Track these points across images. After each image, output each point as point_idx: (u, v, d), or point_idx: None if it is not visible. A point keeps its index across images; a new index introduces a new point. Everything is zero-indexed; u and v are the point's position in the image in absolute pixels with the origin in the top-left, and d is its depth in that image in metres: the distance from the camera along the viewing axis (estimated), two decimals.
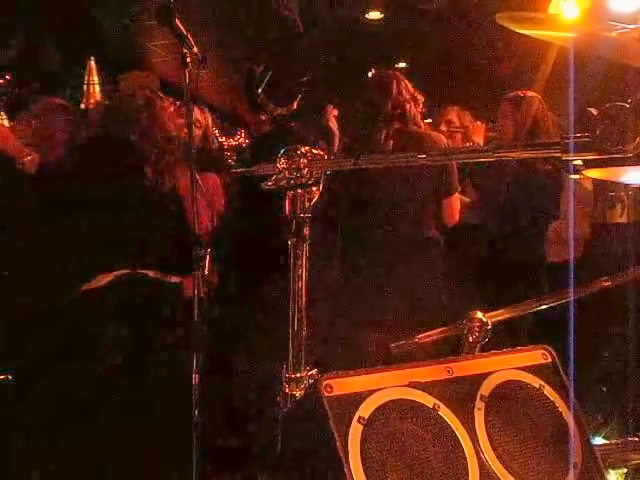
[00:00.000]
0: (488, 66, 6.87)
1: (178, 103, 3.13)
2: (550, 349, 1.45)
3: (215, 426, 2.72)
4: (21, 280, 2.91)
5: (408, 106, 3.14)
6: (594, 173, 1.73)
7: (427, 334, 1.75)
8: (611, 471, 1.61)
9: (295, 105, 3.40)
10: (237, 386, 3.02)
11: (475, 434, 1.29)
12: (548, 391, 1.40)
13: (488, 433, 1.30)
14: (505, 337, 1.68)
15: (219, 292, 2.93)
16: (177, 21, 2.45)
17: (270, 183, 1.48)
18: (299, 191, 1.46)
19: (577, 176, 3.64)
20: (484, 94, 6.10)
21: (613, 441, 1.79)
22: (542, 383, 1.40)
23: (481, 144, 3.91)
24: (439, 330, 1.74)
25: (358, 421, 1.21)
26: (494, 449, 1.29)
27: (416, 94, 3.20)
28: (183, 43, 2.46)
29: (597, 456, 1.37)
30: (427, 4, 5.98)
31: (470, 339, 1.65)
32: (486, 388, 1.35)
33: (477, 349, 1.65)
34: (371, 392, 1.25)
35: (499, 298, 1.95)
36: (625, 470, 1.66)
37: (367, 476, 1.17)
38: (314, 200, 1.48)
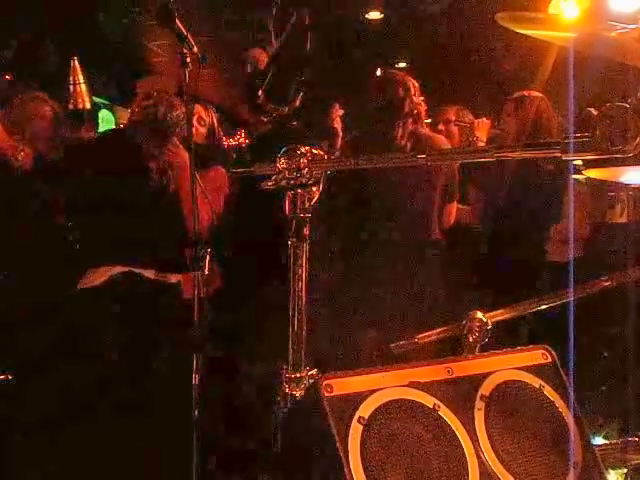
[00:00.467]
0: (488, 66, 6.87)
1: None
2: (550, 349, 1.45)
3: (215, 426, 2.72)
4: (19, 278, 2.91)
5: (419, 107, 3.18)
6: (594, 173, 1.73)
7: (427, 334, 1.75)
8: (611, 471, 1.61)
9: (295, 105, 3.39)
10: (237, 386, 3.02)
11: (475, 434, 1.29)
12: (548, 391, 1.40)
13: (488, 433, 1.30)
14: (505, 337, 1.68)
15: (219, 292, 2.93)
16: (177, 21, 2.46)
17: (270, 183, 1.48)
18: (299, 191, 1.46)
19: (580, 176, 3.65)
20: (484, 94, 6.11)
21: (613, 441, 1.80)
22: (542, 383, 1.40)
23: (484, 140, 3.91)
24: (439, 330, 1.74)
25: (358, 421, 1.21)
26: (494, 449, 1.29)
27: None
28: (183, 43, 2.46)
29: (597, 456, 1.37)
30: (432, 6, 5.98)
31: (470, 339, 1.65)
32: (486, 388, 1.35)
33: (477, 349, 1.65)
34: (371, 392, 1.25)
35: (500, 298, 1.95)
36: (625, 470, 1.66)
37: (367, 476, 1.17)
38: (314, 200, 1.48)
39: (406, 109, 3.13)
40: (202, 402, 2.33)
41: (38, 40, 6.10)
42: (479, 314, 1.68)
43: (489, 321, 1.67)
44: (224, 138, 3.54)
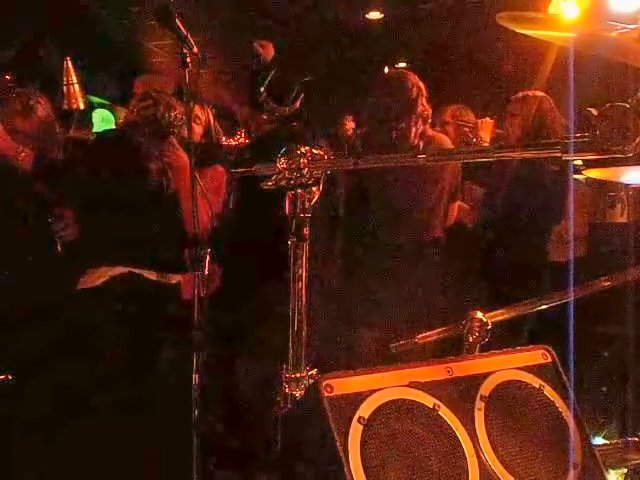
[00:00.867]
0: (488, 66, 6.87)
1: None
2: (550, 349, 1.45)
3: (215, 426, 2.72)
4: (19, 278, 2.91)
5: (428, 109, 3.20)
6: (594, 173, 1.73)
7: (427, 334, 1.75)
8: (611, 471, 1.61)
9: (296, 106, 3.40)
10: (237, 386, 3.02)
11: (475, 434, 1.29)
12: (548, 391, 1.40)
13: (488, 433, 1.30)
14: (505, 337, 1.68)
15: (219, 292, 2.93)
16: (177, 21, 2.45)
17: (270, 183, 1.48)
18: (299, 191, 1.46)
19: (580, 176, 3.65)
20: (484, 94, 6.11)
21: (613, 441, 1.80)
22: (542, 383, 1.40)
23: (487, 140, 3.90)
24: (439, 330, 1.74)
25: (358, 421, 1.21)
26: (494, 449, 1.29)
27: None
28: (183, 43, 2.46)
29: (597, 456, 1.37)
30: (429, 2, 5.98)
31: (470, 339, 1.65)
32: (486, 388, 1.35)
33: (477, 349, 1.65)
34: (371, 392, 1.25)
35: (500, 298, 1.95)
36: (625, 470, 1.66)
37: (367, 476, 1.17)
38: (314, 200, 1.48)
39: (419, 109, 3.14)
40: (202, 402, 2.33)
41: (38, 40, 6.10)
42: (479, 314, 1.68)
43: (489, 321, 1.67)
44: (223, 137, 3.52)
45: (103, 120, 7.39)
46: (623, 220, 3.76)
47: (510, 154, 1.60)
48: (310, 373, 1.48)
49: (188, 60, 2.44)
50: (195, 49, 2.47)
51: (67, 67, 3.91)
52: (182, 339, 2.42)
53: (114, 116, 7.54)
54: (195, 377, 2.33)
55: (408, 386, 1.29)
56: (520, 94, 3.55)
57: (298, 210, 1.46)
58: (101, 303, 2.71)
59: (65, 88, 3.91)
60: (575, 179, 3.64)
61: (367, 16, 7.04)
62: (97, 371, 2.61)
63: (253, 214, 3.10)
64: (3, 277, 2.93)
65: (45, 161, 3.04)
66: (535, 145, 2.07)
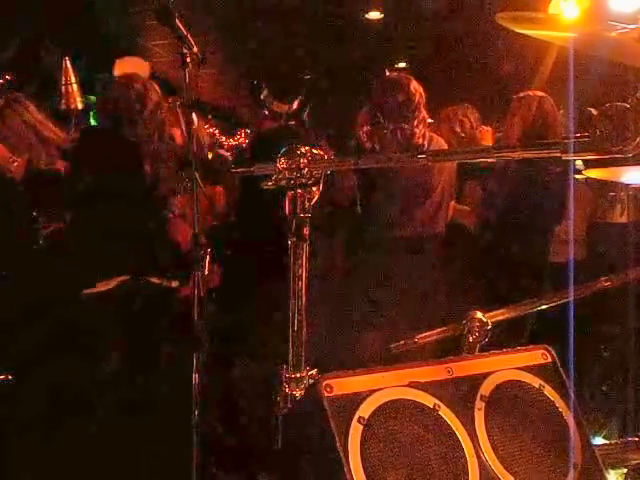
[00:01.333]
0: (488, 66, 6.87)
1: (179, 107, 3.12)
2: (550, 349, 1.45)
3: (215, 426, 2.72)
4: (22, 280, 2.91)
5: (426, 113, 3.26)
6: (594, 173, 1.73)
7: (427, 334, 1.75)
8: (611, 471, 1.61)
9: (293, 107, 3.40)
10: (237, 386, 3.02)
11: (475, 434, 1.29)
12: (548, 391, 1.39)
13: (488, 433, 1.30)
14: (505, 337, 1.68)
15: (219, 292, 2.93)
16: (177, 21, 2.46)
17: (270, 183, 1.48)
18: (299, 191, 1.46)
19: (580, 176, 3.65)
20: (484, 94, 6.11)
21: (613, 441, 1.80)
22: (542, 383, 1.40)
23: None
24: (439, 330, 1.74)
25: (358, 421, 1.21)
26: (494, 449, 1.29)
27: None
28: (183, 43, 2.46)
29: (597, 456, 1.36)
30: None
31: (470, 339, 1.65)
32: (486, 388, 1.35)
33: (477, 349, 1.65)
34: (371, 392, 1.25)
35: (500, 298, 1.95)
36: (625, 470, 1.66)
37: (367, 476, 1.17)
38: (314, 200, 1.48)
39: (423, 112, 3.19)
40: (202, 402, 2.33)
41: (38, 40, 6.10)
42: (479, 314, 1.68)
43: (489, 321, 1.67)
44: (224, 138, 3.52)
45: None
46: (623, 220, 3.75)
47: (510, 154, 1.59)
48: (310, 373, 1.48)
49: (188, 60, 2.44)
50: (195, 49, 2.47)
51: (66, 67, 3.91)
52: (182, 339, 2.42)
53: None
54: (195, 377, 2.33)
55: (408, 386, 1.29)
56: (521, 94, 3.55)
57: (298, 210, 1.46)
58: (106, 305, 2.71)
59: (63, 88, 3.91)
60: (575, 179, 3.64)
61: (367, 16, 7.05)
62: (99, 371, 2.61)
63: (253, 214, 3.10)
64: (3, 277, 2.93)
65: (37, 168, 3.03)
66: (535, 145, 2.07)
